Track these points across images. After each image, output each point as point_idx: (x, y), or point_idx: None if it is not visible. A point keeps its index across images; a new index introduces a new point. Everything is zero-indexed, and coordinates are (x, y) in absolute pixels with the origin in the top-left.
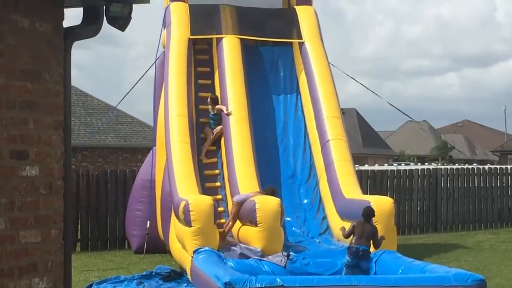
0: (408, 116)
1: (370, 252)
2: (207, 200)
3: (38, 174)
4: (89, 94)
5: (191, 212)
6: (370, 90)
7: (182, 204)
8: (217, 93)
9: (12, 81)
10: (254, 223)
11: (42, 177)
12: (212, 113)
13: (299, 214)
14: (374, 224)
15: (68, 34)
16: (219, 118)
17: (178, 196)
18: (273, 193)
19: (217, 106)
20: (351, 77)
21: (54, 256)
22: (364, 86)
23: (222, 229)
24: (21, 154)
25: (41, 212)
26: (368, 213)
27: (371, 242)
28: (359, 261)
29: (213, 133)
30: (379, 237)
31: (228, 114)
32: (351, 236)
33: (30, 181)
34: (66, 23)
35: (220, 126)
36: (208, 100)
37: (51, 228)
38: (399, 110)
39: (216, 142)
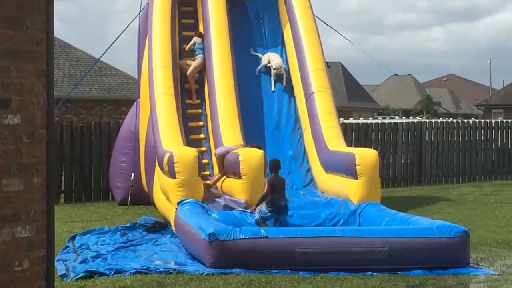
0: (392, 71)
1: (287, 207)
2: (192, 152)
3: (20, 122)
4: (73, 46)
5: (175, 164)
6: (351, 41)
7: (167, 156)
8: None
9: None
10: (237, 175)
11: (25, 126)
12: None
13: (284, 167)
14: (358, 176)
15: None
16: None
17: (163, 148)
18: (276, 166)
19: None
20: (335, 31)
21: (37, 205)
22: (348, 40)
23: (208, 181)
24: (3, 102)
25: (24, 160)
26: (275, 165)
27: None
28: (278, 216)
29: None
30: None
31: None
32: (272, 191)
33: (12, 129)
34: None
35: (199, 60)
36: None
37: (34, 177)
38: (383, 65)
39: (200, 92)
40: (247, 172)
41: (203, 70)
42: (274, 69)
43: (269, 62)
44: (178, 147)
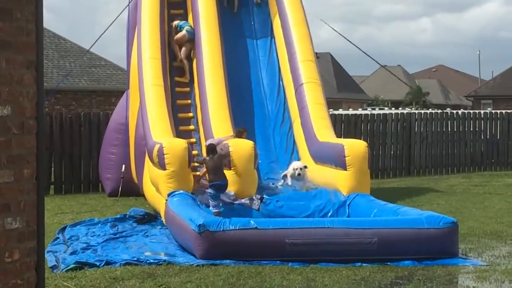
0: (380, 64)
1: (227, 184)
2: (182, 143)
3: (10, 113)
4: (62, 37)
5: (165, 155)
6: (340, 34)
7: (156, 147)
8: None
9: None
10: (227, 166)
11: (14, 117)
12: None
13: (273, 157)
14: (348, 167)
15: None
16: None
17: (152, 139)
18: (241, 134)
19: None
20: (325, 22)
21: (27, 196)
22: (339, 33)
23: (198, 172)
24: None
25: (14, 151)
26: (211, 149)
27: (224, 166)
28: (219, 194)
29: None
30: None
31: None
32: (209, 173)
33: (2, 121)
34: None
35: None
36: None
37: (24, 168)
38: (370, 57)
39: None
40: (237, 163)
41: (192, 49)
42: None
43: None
44: (168, 139)
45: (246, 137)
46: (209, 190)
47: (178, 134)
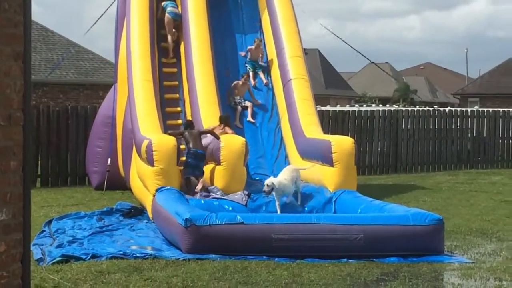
0: (370, 60)
1: (205, 155)
2: (171, 140)
3: None
4: (50, 29)
5: (154, 152)
6: (332, 32)
7: (145, 143)
8: (179, 31)
9: None
10: (217, 161)
11: (1, 108)
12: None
13: (261, 153)
14: (334, 164)
15: None
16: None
17: (140, 134)
18: (226, 120)
19: None
20: (322, 25)
21: (14, 188)
22: (329, 30)
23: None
24: None
25: (0, 143)
26: (188, 124)
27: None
28: (198, 163)
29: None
30: None
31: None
32: (188, 142)
33: None
34: None
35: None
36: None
37: (10, 160)
38: (360, 53)
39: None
40: (227, 158)
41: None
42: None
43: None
44: (157, 135)
45: (236, 133)
46: (189, 160)
47: (166, 128)
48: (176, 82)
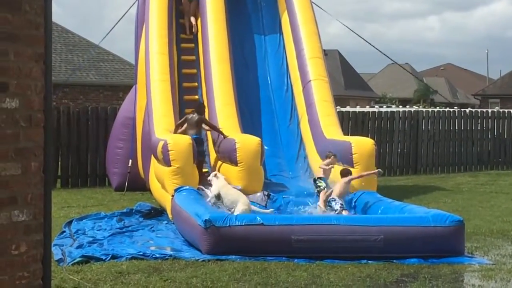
0: (392, 60)
1: (202, 139)
2: (186, 139)
3: (18, 106)
4: (70, 31)
5: (170, 152)
6: (354, 32)
7: (161, 144)
8: (199, 32)
9: None
10: (234, 162)
11: (22, 110)
12: None
13: (280, 154)
14: (355, 165)
15: None
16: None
17: (156, 136)
18: (200, 108)
19: None
20: (342, 23)
21: (34, 189)
22: (350, 29)
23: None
24: (1, 86)
25: (21, 144)
26: (199, 106)
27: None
28: (197, 148)
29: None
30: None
31: None
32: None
33: (10, 113)
34: None
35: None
36: None
37: (31, 161)
38: (382, 53)
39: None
40: (243, 159)
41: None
42: None
43: None
44: (172, 135)
45: (254, 134)
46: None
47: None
48: (196, 84)
